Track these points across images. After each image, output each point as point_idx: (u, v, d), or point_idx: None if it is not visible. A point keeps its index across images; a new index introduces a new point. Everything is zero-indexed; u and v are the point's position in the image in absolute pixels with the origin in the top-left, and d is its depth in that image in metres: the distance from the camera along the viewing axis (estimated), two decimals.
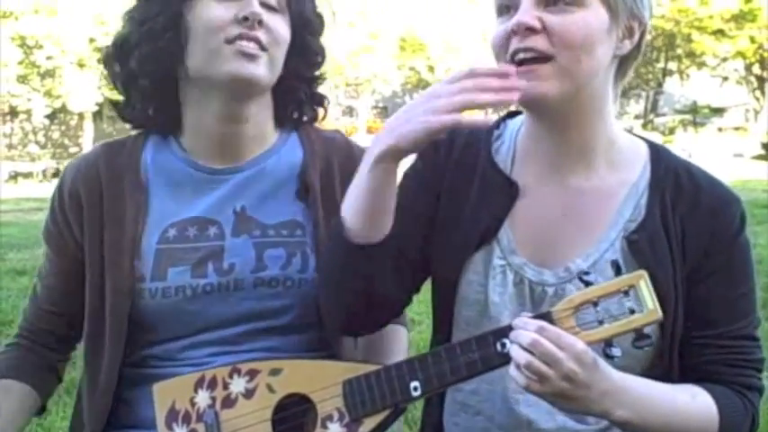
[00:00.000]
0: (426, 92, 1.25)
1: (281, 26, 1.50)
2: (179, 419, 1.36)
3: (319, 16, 1.61)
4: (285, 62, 1.54)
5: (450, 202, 1.44)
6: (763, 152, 23.99)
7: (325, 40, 1.65)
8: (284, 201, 1.59)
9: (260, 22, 1.45)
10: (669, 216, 1.35)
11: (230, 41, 1.44)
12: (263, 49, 1.46)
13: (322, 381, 1.31)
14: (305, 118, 1.68)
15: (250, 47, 1.45)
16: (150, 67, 1.52)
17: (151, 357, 1.54)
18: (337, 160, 1.63)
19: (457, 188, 1.45)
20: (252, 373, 1.35)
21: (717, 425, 1.30)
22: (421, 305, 3.83)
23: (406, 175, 1.50)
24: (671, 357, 1.35)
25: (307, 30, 1.57)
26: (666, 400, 1.26)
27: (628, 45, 1.34)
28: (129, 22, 1.53)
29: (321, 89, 1.69)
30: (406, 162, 1.39)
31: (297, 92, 1.63)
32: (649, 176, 1.39)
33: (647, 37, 1.38)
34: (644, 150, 1.43)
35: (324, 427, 1.29)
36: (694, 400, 1.30)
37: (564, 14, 1.26)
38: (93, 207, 1.54)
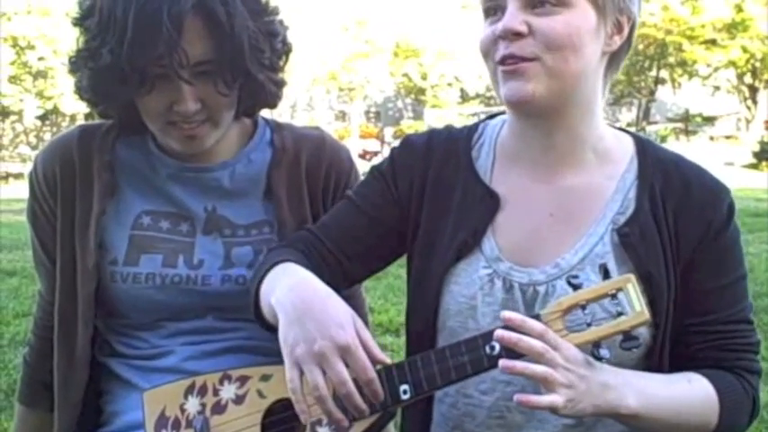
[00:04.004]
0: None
1: (218, 96, 1.44)
2: (168, 426, 1.36)
3: (270, 30, 1.50)
4: (238, 97, 1.50)
5: (432, 214, 1.44)
6: (754, 161, 24.11)
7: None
8: (254, 201, 1.61)
9: (194, 112, 1.44)
10: (660, 209, 1.34)
11: (172, 123, 1.46)
12: (205, 121, 1.47)
13: None
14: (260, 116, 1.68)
15: (192, 128, 1.46)
16: (114, 113, 1.55)
17: (127, 346, 1.56)
18: (305, 154, 1.64)
19: (438, 200, 1.44)
20: (242, 380, 1.35)
21: (717, 407, 1.28)
22: None
23: (373, 175, 1.50)
24: (661, 354, 1.34)
25: (255, 65, 1.46)
26: (665, 387, 1.26)
27: (617, 41, 1.33)
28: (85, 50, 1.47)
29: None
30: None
31: (252, 105, 1.60)
32: (637, 169, 1.38)
33: (638, 40, 1.37)
34: (630, 144, 1.41)
35: (313, 431, 1.29)
36: (691, 385, 1.28)
37: (549, 16, 1.25)
38: (66, 187, 1.57)
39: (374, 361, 1.20)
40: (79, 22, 1.44)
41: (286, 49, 1.55)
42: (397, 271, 5.97)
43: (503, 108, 1.42)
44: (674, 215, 1.34)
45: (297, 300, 1.24)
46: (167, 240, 1.55)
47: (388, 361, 1.22)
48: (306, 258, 1.42)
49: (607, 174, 1.38)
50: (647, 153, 1.40)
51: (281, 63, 1.56)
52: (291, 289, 1.26)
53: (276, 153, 1.62)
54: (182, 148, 1.50)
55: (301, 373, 1.18)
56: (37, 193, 1.59)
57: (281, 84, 1.56)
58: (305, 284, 1.28)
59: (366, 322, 1.80)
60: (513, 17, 1.26)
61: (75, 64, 1.48)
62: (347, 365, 1.17)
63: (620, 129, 1.46)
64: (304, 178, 1.61)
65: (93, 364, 1.58)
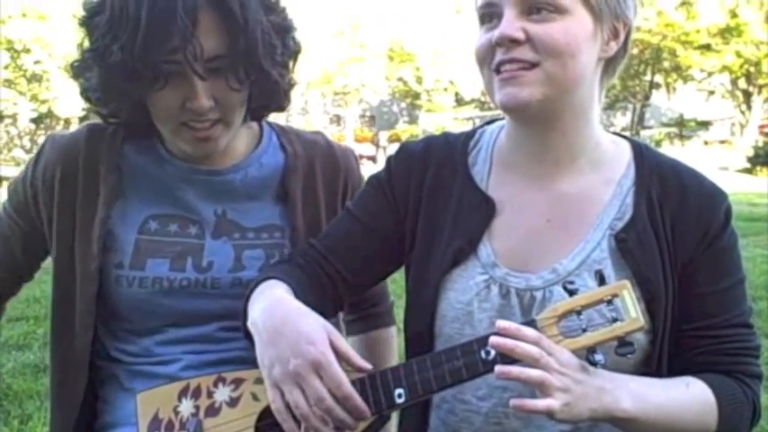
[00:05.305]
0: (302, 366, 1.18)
1: (231, 93, 1.43)
2: (162, 428, 1.36)
3: (283, 26, 1.48)
4: (249, 95, 1.49)
5: (429, 220, 1.43)
6: (748, 166, 24.15)
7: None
8: (266, 205, 1.60)
9: (207, 109, 1.42)
10: (657, 215, 1.34)
11: (184, 123, 1.44)
12: (217, 122, 1.45)
13: None
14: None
15: (205, 127, 1.44)
16: (123, 115, 1.53)
17: (126, 353, 1.55)
18: (319, 162, 1.64)
19: (435, 207, 1.44)
20: (237, 382, 1.35)
21: (716, 412, 1.28)
22: None
23: (370, 184, 1.51)
24: (660, 359, 1.34)
25: (268, 60, 1.44)
26: (662, 391, 1.26)
27: (614, 46, 1.33)
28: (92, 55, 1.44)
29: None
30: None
31: (264, 106, 1.59)
32: (634, 175, 1.38)
33: (633, 45, 1.38)
34: (627, 150, 1.42)
35: None
36: (689, 389, 1.28)
37: (547, 23, 1.25)
38: (66, 187, 1.54)
39: (356, 369, 1.21)
40: (86, 20, 1.42)
41: (296, 48, 1.54)
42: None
43: (499, 113, 1.42)
44: (671, 220, 1.34)
45: (269, 321, 1.25)
46: (175, 243, 1.53)
47: (370, 367, 1.23)
48: (302, 272, 1.42)
49: (604, 179, 1.38)
50: (645, 158, 1.40)
51: (291, 63, 1.54)
52: (264, 310, 1.28)
53: (289, 158, 1.62)
54: (194, 151, 1.49)
55: (282, 393, 1.19)
56: (27, 184, 1.56)
57: (291, 84, 1.55)
58: (278, 305, 1.28)
59: (389, 307, 1.83)
60: (511, 24, 1.25)
61: (80, 67, 1.46)
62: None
63: (618, 134, 1.46)
64: (321, 187, 1.62)
65: (90, 366, 1.56)
